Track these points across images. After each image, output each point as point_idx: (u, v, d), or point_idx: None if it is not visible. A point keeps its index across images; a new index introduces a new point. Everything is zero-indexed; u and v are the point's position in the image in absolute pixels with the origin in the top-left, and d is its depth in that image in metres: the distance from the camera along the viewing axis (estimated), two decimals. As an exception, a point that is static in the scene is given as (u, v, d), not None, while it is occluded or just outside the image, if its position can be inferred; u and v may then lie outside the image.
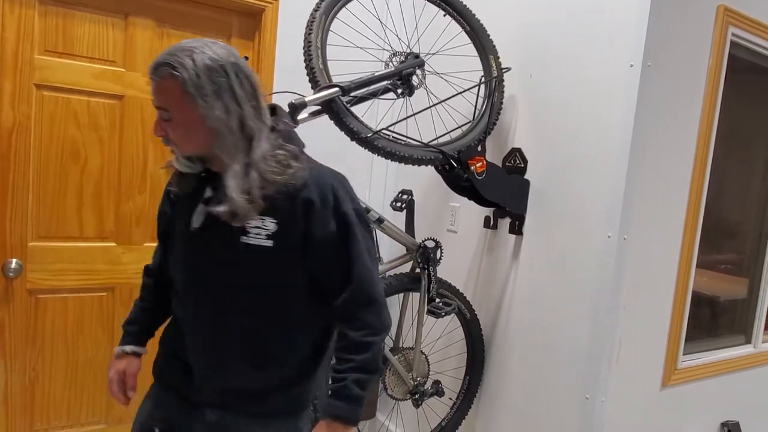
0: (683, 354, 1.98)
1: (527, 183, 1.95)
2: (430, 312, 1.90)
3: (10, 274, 1.96)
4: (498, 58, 2.00)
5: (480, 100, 1.96)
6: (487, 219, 2.12)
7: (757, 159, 2.43)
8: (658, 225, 1.79)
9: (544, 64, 1.92)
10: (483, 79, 1.97)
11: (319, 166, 1.19)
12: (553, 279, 1.85)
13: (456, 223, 2.30)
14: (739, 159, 2.35)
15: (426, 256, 1.92)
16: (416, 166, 1.75)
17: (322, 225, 1.13)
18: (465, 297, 2.06)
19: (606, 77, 1.71)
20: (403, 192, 2.02)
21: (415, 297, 2.00)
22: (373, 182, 2.63)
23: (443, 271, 2.00)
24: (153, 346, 1.36)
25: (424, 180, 2.43)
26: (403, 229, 1.94)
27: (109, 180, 2.11)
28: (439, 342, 2.26)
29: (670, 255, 1.86)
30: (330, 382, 1.18)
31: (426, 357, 2.04)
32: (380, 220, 1.82)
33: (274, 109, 1.20)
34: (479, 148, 1.86)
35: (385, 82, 1.74)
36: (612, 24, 1.70)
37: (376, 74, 1.70)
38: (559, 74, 1.86)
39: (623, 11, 1.67)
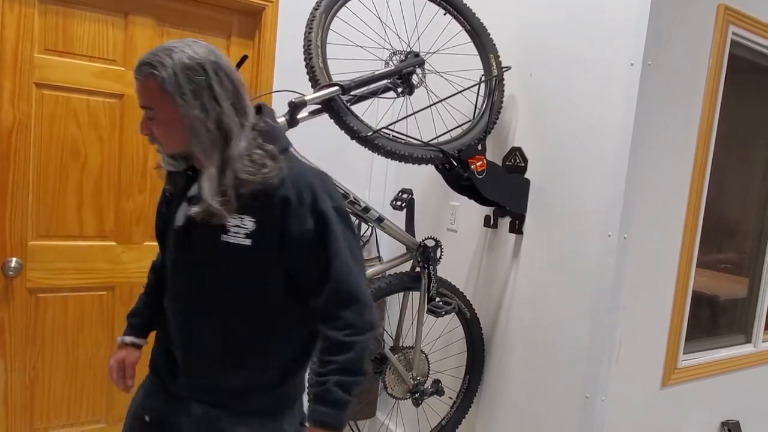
0: (683, 353, 1.98)
1: (527, 182, 1.94)
2: (430, 311, 1.90)
3: (10, 272, 1.96)
4: (498, 57, 2.00)
5: (480, 99, 1.95)
6: (487, 218, 2.12)
7: (757, 158, 2.43)
8: (659, 224, 1.79)
9: (545, 63, 1.92)
10: (483, 78, 1.97)
11: (299, 165, 1.18)
12: (553, 278, 1.85)
13: (456, 222, 2.29)
14: (740, 158, 2.35)
15: (426, 255, 1.92)
16: (416, 165, 1.75)
17: (298, 223, 1.12)
18: (465, 296, 2.06)
19: (606, 76, 1.71)
20: (403, 191, 2.02)
21: (415, 296, 1.99)
22: (373, 181, 2.63)
23: (443, 270, 1.99)
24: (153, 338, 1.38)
25: (424, 179, 2.43)
26: (403, 228, 1.94)
27: (109, 179, 2.11)
28: (439, 341, 2.25)
29: (670, 254, 1.86)
30: (312, 386, 1.16)
31: (426, 356, 2.04)
32: (380, 219, 1.81)
33: (260, 108, 1.20)
34: (479, 147, 1.86)
35: (385, 81, 1.74)
36: (612, 23, 1.70)
37: (377, 73, 1.70)
38: (559, 73, 1.86)
39: (623, 10, 1.67)
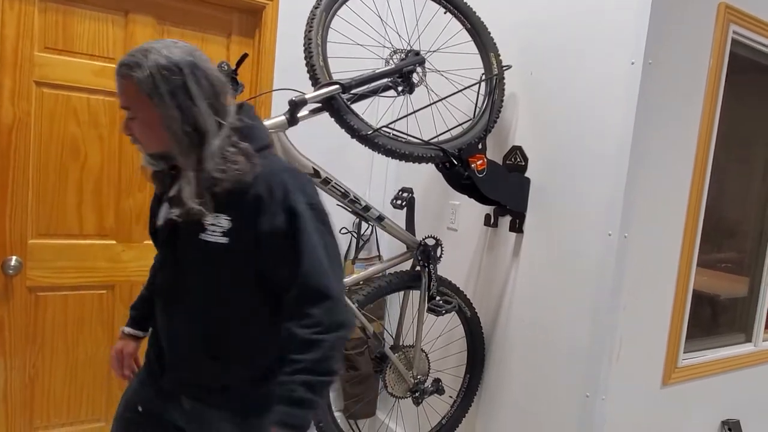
0: (684, 352, 1.98)
1: (528, 181, 1.94)
2: (430, 310, 1.90)
3: (10, 271, 1.96)
4: (499, 55, 1.99)
5: (480, 98, 1.95)
6: (487, 217, 2.12)
7: (758, 157, 2.43)
8: (659, 223, 1.79)
9: (545, 62, 1.91)
10: (483, 77, 1.96)
11: (275, 163, 1.18)
12: (553, 277, 1.85)
13: (456, 221, 2.29)
14: (740, 157, 2.34)
15: (426, 254, 1.91)
16: (417, 163, 1.75)
17: (270, 219, 1.12)
18: (465, 295, 2.06)
19: (607, 75, 1.70)
20: (403, 190, 2.02)
21: (415, 295, 1.99)
22: (374, 180, 2.63)
23: (443, 269, 1.99)
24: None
25: (425, 178, 2.43)
26: (404, 227, 1.94)
27: (109, 177, 2.11)
28: (440, 340, 2.25)
29: (670, 253, 1.86)
30: (278, 385, 1.13)
31: (426, 355, 2.04)
32: (380, 218, 1.81)
33: (241, 107, 1.21)
34: (480, 146, 1.86)
35: (385, 80, 1.74)
36: (613, 21, 1.70)
37: (377, 71, 1.70)
38: (560, 72, 1.86)
39: (624, 9, 1.66)
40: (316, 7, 1.62)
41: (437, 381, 2.03)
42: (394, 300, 2.57)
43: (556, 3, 1.89)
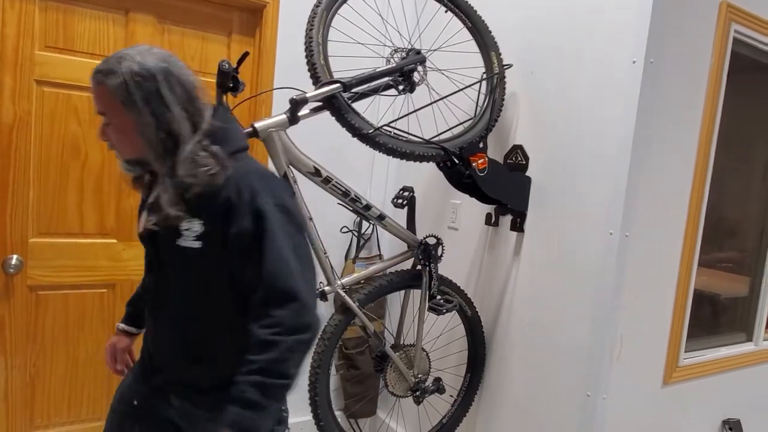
0: (684, 352, 1.98)
1: (529, 180, 1.94)
2: (431, 309, 1.90)
3: (11, 270, 1.96)
4: (499, 54, 1.99)
5: (481, 97, 1.95)
6: (488, 216, 2.12)
7: (759, 156, 2.42)
8: (660, 222, 1.79)
9: (546, 61, 1.91)
10: (484, 76, 1.96)
11: (247, 165, 1.18)
12: (554, 276, 1.85)
13: (457, 220, 2.29)
14: (741, 156, 2.34)
15: (427, 253, 1.91)
16: (418, 162, 1.74)
17: (237, 221, 1.12)
18: (466, 294, 2.06)
19: (608, 73, 1.70)
20: (404, 189, 2.02)
21: (416, 294, 1.99)
22: (374, 179, 2.63)
23: (444, 269, 1.99)
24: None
25: (425, 177, 2.43)
26: (405, 226, 1.94)
27: (110, 176, 2.11)
28: (440, 339, 2.25)
29: (671, 253, 1.86)
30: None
31: (427, 354, 2.04)
32: (381, 217, 1.81)
33: (216, 110, 1.22)
34: (481, 145, 1.86)
35: (386, 79, 1.74)
36: (614, 20, 1.70)
37: (378, 70, 1.69)
38: (560, 71, 1.86)
39: (625, 7, 1.66)
40: (317, 6, 1.62)
41: (438, 380, 2.03)
42: (394, 299, 2.57)
43: (557, 2, 1.88)
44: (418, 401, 2.00)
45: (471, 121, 1.91)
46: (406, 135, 1.71)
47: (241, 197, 1.12)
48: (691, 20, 1.73)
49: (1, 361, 2.00)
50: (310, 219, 1.65)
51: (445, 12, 1.99)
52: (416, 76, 1.80)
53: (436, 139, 1.80)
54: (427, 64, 1.84)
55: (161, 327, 1.27)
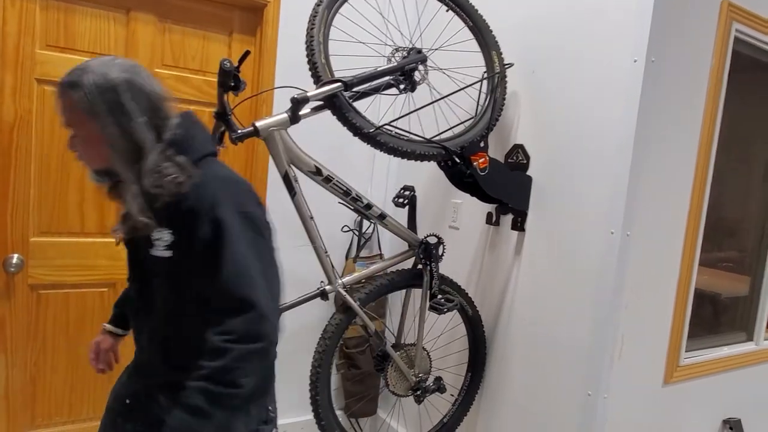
0: (685, 351, 1.98)
1: (530, 179, 1.94)
2: (432, 308, 1.90)
3: (12, 269, 1.96)
4: (500, 53, 1.99)
5: (482, 96, 1.95)
6: (489, 215, 2.12)
7: (760, 156, 2.42)
8: (661, 222, 1.78)
9: (547, 60, 1.91)
10: (485, 75, 1.96)
11: (210, 172, 1.18)
12: (555, 275, 1.85)
13: (458, 220, 2.29)
14: (742, 156, 2.34)
15: (428, 252, 1.91)
16: (419, 161, 1.74)
17: (200, 230, 1.13)
18: (467, 293, 2.06)
19: (609, 72, 1.70)
20: (405, 188, 2.02)
21: (417, 293, 1.99)
22: (375, 178, 2.63)
23: (445, 268, 1.99)
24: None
25: (426, 176, 2.43)
26: (405, 225, 1.94)
27: (111, 175, 2.11)
28: (441, 338, 2.25)
29: (672, 252, 1.85)
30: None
31: (428, 353, 2.04)
32: (382, 216, 1.81)
33: (182, 117, 1.22)
34: (482, 144, 1.86)
35: (387, 78, 1.74)
36: (615, 19, 1.70)
37: (379, 69, 1.69)
38: (561, 70, 1.86)
39: (626, 6, 1.66)
40: (318, 5, 1.62)
41: (439, 379, 2.03)
42: (395, 298, 2.57)
43: (559, 1, 1.88)
44: (418, 400, 2.00)
45: (472, 120, 1.91)
46: (407, 134, 1.70)
47: (202, 205, 1.13)
48: (692, 19, 1.73)
49: (2, 360, 2.00)
50: (311, 218, 1.65)
51: (446, 11, 1.99)
52: (417, 75, 1.79)
53: (437, 138, 1.80)
54: (428, 63, 1.84)
55: (145, 330, 1.29)
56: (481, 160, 1.82)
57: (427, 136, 1.77)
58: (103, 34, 2.04)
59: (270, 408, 1.32)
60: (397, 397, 2.04)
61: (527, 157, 1.96)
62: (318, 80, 1.56)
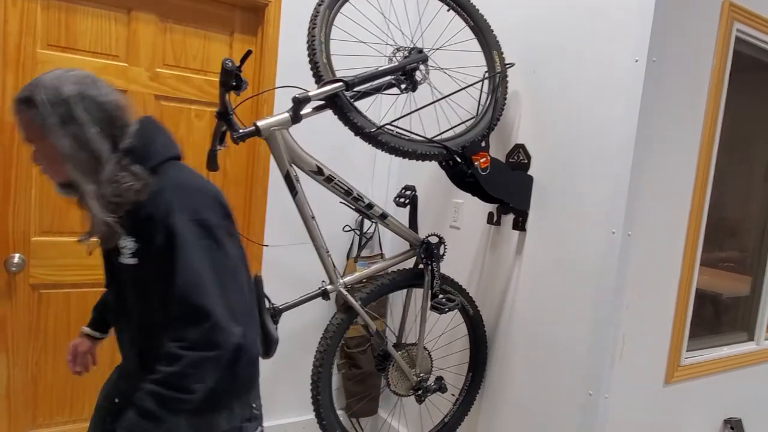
0: (686, 351, 1.98)
1: (531, 179, 1.94)
2: (433, 308, 1.90)
3: (13, 268, 1.96)
4: (501, 53, 1.99)
5: (484, 96, 1.95)
6: (490, 215, 2.12)
7: (761, 155, 2.42)
8: (662, 221, 1.79)
9: (548, 60, 1.91)
10: (487, 75, 1.96)
11: (168, 179, 1.18)
12: (556, 275, 1.85)
13: (459, 219, 2.29)
14: (743, 156, 2.34)
15: (429, 251, 1.91)
16: (420, 161, 1.74)
17: (155, 238, 1.14)
18: (468, 293, 2.06)
19: (610, 72, 1.70)
20: (406, 188, 2.02)
21: (418, 293, 1.99)
22: (376, 178, 2.63)
23: (446, 268, 1.99)
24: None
25: (427, 176, 2.43)
26: (407, 225, 1.94)
27: (112, 175, 2.11)
28: (442, 338, 2.25)
29: (673, 252, 1.86)
30: None
31: (429, 353, 2.04)
32: (384, 216, 1.81)
33: (141, 125, 1.23)
34: (483, 144, 1.86)
35: (388, 77, 1.74)
36: (616, 19, 1.70)
37: (380, 69, 1.69)
38: (563, 70, 1.86)
39: (628, 6, 1.66)
40: (319, 5, 1.62)
41: (440, 379, 2.03)
42: (397, 298, 2.57)
43: (560, 0, 1.88)
44: (420, 400, 2.00)
45: (473, 119, 1.91)
46: (408, 134, 1.70)
47: (157, 213, 1.14)
48: (694, 19, 1.73)
49: (4, 359, 2.00)
50: (313, 218, 1.65)
51: (447, 11, 1.99)
52: (418, 75, 1.79)
53: (438, 138, 1.80)
54: (429, 62, 1.84)
55: (126, 336, 1.31)
56: (482, 160, 1.82)
57: (429, 136, 1.77)
58: (104, 34, 2.04)
59: (254, 405, 1.34)
60: (398, 397, 2.04)
61: (528, 157, 1.96)
62: (319, 80, 1.56)
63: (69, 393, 2.13)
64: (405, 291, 2.03)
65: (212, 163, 1.56)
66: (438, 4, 1.99)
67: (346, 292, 1.74)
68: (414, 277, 1.94)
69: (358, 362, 2.54)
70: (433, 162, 1.83)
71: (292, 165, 1.59)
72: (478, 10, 2.00)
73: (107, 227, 1.15)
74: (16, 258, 1.96)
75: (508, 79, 1.99)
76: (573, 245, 1.80)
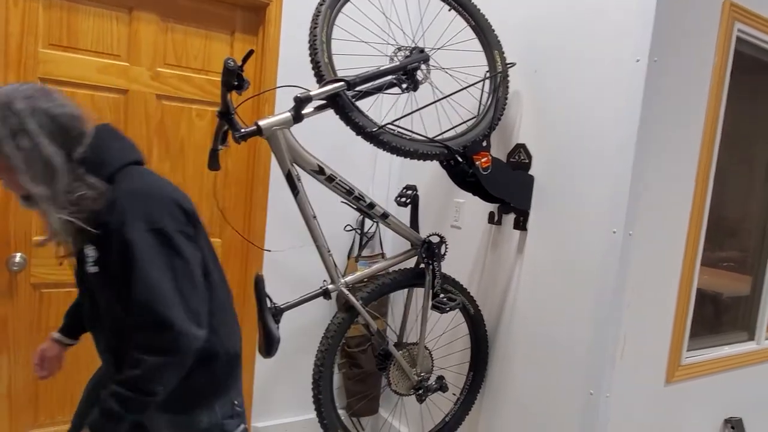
0: (687, 350, 1.98)
1: (532, 179, 1.94)
2: (434, 307, 1.90)
3: (15, 268, 1.96)
4: (503, 53, 1.99)
5: (485, 96, 1.95)
6: (491, 215, 2.12)
7: (762, 156, 2.42)
8: (663, 221, 1.79)
9: (549, 60, 1.91)
10: (488, 74, 1.96)
11: (125, 186, 1.19)
12: (557, 275, 1.85)
13: (460, 219, 2.29)
14: (744, 156, 2.34)
15: (430, 251, 1.91)
16: (421, 161, 1.74)
17: (112, 248, 1.15)
18: (469, 293, 2.06)
19: (611, 72, 1.70)
20: (407, 187, 2.02)
21: (419, 292, 1.99)
22: (377, 177, 2.63)
23: (447, 267, 1.99)
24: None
25: (428, 175, 2.43)
26: (408, 225, 1.94)
27: (113, 174, 2.11)
28: (443, 337, 2.26)
29: (674, 251, 1.86)
30: None
31: (430, 352, 2.04)
32: (385, 215, 1.81)
33: (96, 133, 1.23)
34: (484, 144, 1.86)
35: (390, 77, 1.74)
36: (617, 19, 1.70)
37: (381, 69, 1.69)
38: (564, 69, 1.86)
39: (629, 6, 1.66)
40: (321, 4, 1.62)
41: (441, 378, 2.03)
42: (398, 297, 2.57)
43: (560, 0, 1.88)
44: (420, 400, 2.00)
45: (474, 119, 1.91)
46: (409, 133, 1.71)
47: (113, 223, 1.15)
48: (695, 19, 1.73)
49: (5, 358, 2.00)
50: (314, 217, 1.65)
51: (449, 10, 1.99)
52: (419, 75, 1.79)
53: (439, 137, 1.80)
54: (431, 62, 1.84)
55: (101, 340, 1.33)
56: (483, 160, 1.82)
57: (430, 136, 1.77)
58: (106, 33, 2.04)
59: (236, 402, 1.36)
60: (399, 396, 2.04)
61: (529, 157, 1.96)
62: (321, 79, 1.56)
63: (70, 392, 2.14)
64: (406, 290, 2.03)
65: (214, 163, 1.56)
66: (439, 4, 1.99)
67: (347, 292, 1.74)
68: (415, 277, 1.94)
69: (359, 361, 2.54)
70: (434, 162, 1.83)
71: (294, 164, 1.59)
72: (479, 9, 2.00)
73: (63, 238, 1.17)
74: (18, 257, 1.97)
75: (509, 78, 1.99)
76: (574, 245, 1.80)
